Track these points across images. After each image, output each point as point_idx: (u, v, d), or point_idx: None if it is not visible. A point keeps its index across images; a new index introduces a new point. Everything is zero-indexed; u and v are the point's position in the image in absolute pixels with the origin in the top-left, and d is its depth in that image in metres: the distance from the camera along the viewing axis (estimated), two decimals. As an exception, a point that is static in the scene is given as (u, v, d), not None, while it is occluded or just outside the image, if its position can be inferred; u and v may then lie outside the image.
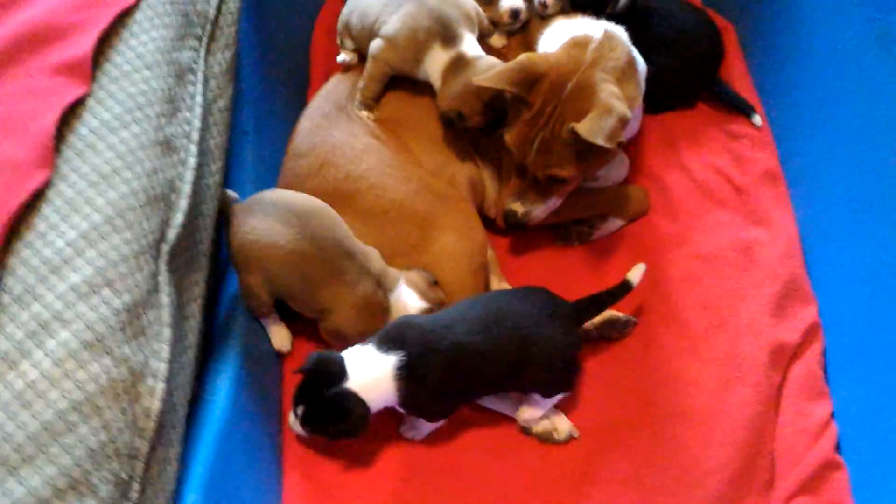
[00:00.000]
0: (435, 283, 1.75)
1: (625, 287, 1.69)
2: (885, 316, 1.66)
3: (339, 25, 2.02)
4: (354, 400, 1.55)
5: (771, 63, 2.08)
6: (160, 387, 1.27)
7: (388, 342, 1.58)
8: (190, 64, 1.56)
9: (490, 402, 1.77)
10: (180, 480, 1.37)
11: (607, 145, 1.59)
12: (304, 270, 1.65)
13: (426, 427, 1.71)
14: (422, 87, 1.90)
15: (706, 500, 1.62)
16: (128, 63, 1.45)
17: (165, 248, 1.38)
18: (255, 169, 1.89)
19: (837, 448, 1.66)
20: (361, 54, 1.97)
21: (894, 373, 1.61)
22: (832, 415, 1.70)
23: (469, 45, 1.83)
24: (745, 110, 2.08)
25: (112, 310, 1.24)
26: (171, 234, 1.40)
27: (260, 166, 1.91)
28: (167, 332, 1.32)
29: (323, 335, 1.75)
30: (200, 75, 1.58)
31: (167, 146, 1.43)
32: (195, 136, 1.50)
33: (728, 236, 1.92)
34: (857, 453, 1.64)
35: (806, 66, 1.96)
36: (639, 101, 1.77)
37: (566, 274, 1.94)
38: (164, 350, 1.30)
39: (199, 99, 1.54)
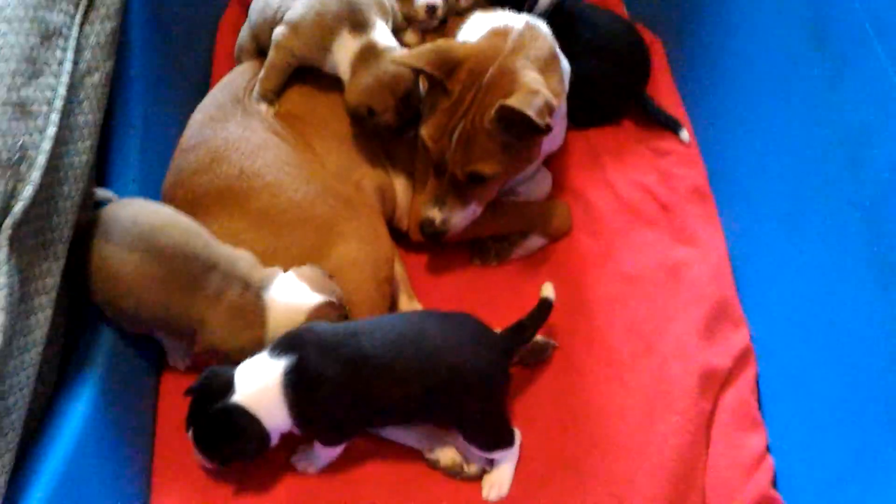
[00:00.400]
0: (330, 278, 1.55)
1: (545, 306, 1.54)
2: (819, 340, 1.52)
3: (237, 46, 1.90)
4: (240, 414, 1.37)
5: (698, 78, 1.99)
6: None
7: (281, 347, 1.41)
8: (60, 27, 1.37)
9: (393, 434, 1.57)
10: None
11: (537, 120, 1.47)
12: (158, 294, 1.46)
13: (321, 457, 1.52)
14: (329, 82, 1.75)
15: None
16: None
17: (8, 221, 1.18)
18: (141, 167, 1.70)
19: (774, 483, 1.51)
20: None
21: (830, 401, 1.46)
22: (767, 447, 1.55)
23: (381, 33, 1.69)
24: (671, 126, 1.97)
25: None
26: (17, 206, 1.20)
27: (146, 164, 1.72)
28: (1, 318, 1.10)
29: (199, 360, 1.56)
30: (72, 42, 1.39)
31: (21, 109, 1.24)
32: (58, 104, 1.31)
33: (654, 256, 1.79)
34: (794, 488, 1.49)
35: (734, 81, 1.87)
36: (562, 99, 1.64)
37: (483, 294, 1.79)
38: None
39: (67, 66, 1.36)
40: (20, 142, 1.22)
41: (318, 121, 1.75)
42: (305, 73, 1.77)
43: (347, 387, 1.39)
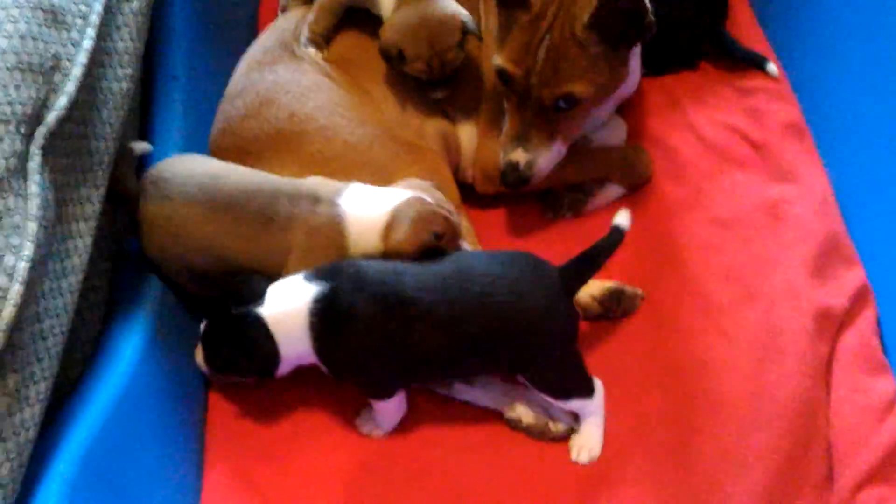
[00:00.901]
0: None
1: (616, 235, 1.34)
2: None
3: None
4: (257, 326, 1.25)
5: (781, 12, 1.82)
6: (15, 289, 0.96)
7: (318, 273, 1.27)
8: (94, -64, 1.26)
9: (465, 393, 1.41)
10: (50, 446, 1.00)
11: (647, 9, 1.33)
12: (232, 242, 1.34)
13: (383, 417, 1.36)
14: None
15: (747, 500, 1.25)
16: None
17: (42, 130, 1.08)
18: (186, 118, 1.59)
19: (911, 426, 1.30)
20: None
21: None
22: (897, 393, 1.35)
23: None
24: (757, 62, 1.80)
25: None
26: (51, 117, 1.10)
27: (191, 115, 1.60)
28: (32, 228, 1.00)
29: None
30: None
31: (53, 16, 1.14)
32: (94, 19, 1.21)
33: (749, 197, 1.61)
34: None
35: (819, 10, 1.70)
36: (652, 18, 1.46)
37: (557, 250, 1.57)
38: (27, 248, 0.98)
39: None
40: (53, 49, 1.10)
41: (375, 66, 1.62)
42: (359, 19, 1.64)
43: (381, 329, 1.25)
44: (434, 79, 1.55)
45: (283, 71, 1.56)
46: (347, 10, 1.63)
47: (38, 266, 1.00)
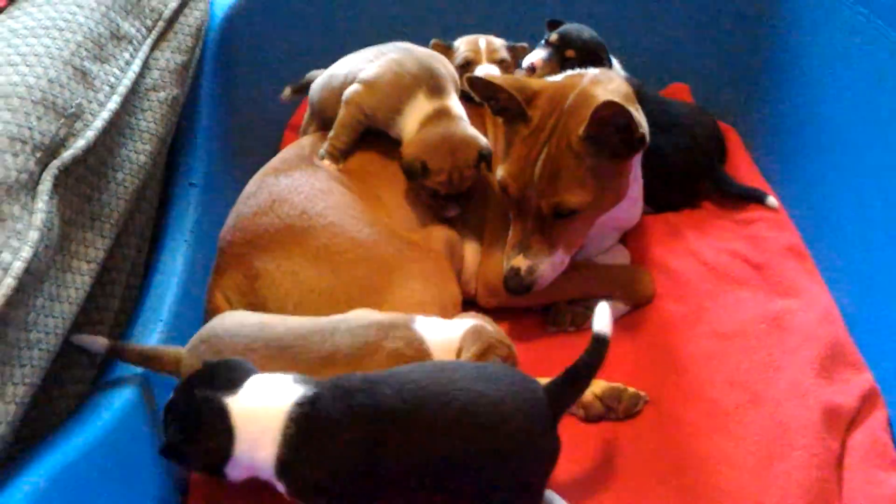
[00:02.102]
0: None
1: (599, 343, 1.22)
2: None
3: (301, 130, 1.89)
4: (217, 415, 1.12)
5: (777, 154, 1.90)
6: (8, 282, 1.00)
7: (303, 379, 1.18)
8: (130, 37, 1.41)
9: None
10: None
11: (637, 125, 1.39)
12: None
13: None
14: (397, 149, 1.69)
15: None
16: (56, -4, 1.27)
17: (56, 163, 1.13)
18: (199, 221, 1.65)
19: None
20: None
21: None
22: (912, 490, 1.28)
23: (454, 102, 1.67)
24: (757, 197, 1.86)
25: (-40, 169, 0.94)
26: (67, 154, 1.16)
27: (204, 220, 1.66)
28: (34, 236, 1.03)
29: None
30: (141, 54, 1.42)
31: (83, 76, 1.24)
32: (121, 90, 1.31)
33: (752, 311, 1.61)
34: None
35: (814, 147, 1.78)
36: (644, 130, 1.52)
37: (558, 364, 1.58)
38: (25, 251, 1.02)
39: (133, 68, 1.38)
40: (78, 101, 1.19)
41: (391, 175, 1.69)
42: (372, 136, 1.74)
43: (353, 442, 1.13)
44: (452, 193, 1.62)
45: (298, 175, 1.63)
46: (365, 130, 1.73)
47: (34, 274, 1.02)
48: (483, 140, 1.64)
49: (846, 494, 1.27)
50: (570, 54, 1.77)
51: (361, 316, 1.36)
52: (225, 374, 1.17)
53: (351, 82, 1.73)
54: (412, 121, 1.65)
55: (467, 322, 1.34)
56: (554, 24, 1.83)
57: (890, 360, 1.47)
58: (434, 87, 1.66)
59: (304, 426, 1.12)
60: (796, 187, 1.85)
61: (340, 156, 1.70)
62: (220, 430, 1.12)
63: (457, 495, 1.19)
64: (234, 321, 1.36)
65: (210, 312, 1.56)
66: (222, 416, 1.12)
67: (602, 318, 1.23)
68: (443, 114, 1.64)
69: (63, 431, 1.13)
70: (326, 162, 1.69)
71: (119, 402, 1.23)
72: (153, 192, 1.57)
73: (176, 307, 1.49)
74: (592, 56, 1.77)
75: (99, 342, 1.27)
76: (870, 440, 1.34)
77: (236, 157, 1.83)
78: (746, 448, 1.38)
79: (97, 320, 1.31)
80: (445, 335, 1.31)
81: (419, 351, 1.30)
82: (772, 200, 1.85)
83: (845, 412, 1.37)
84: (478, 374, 1.19)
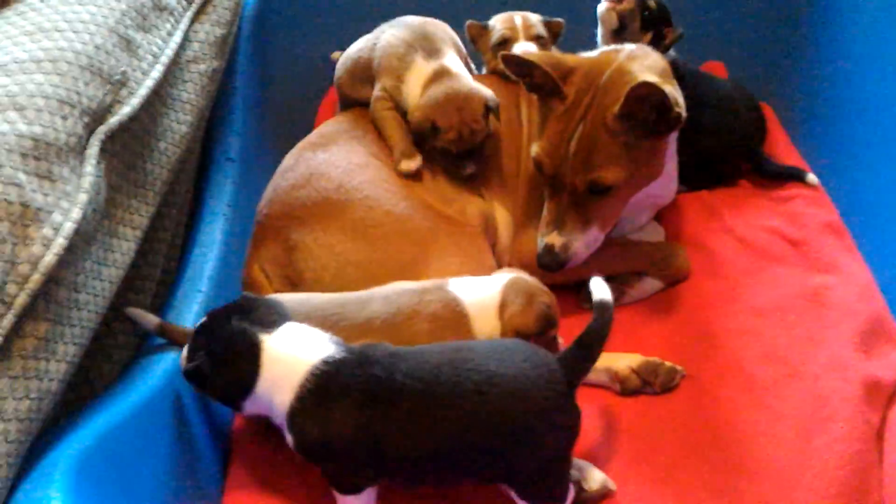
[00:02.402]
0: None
1: (604, 312, 1.21)
2: None
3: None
4: (249, 348, 1.13)
5: (815, 133, 1.89)
6: (60, 242, 0.98)
7: (341, 343, 1.19)
8: (172, 8, 1.41)
9: None
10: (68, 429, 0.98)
11: (672, 103, 1.38)
12: None
13: None
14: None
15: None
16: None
17: (103, 129, 1.15)
18: (237, 196, 1.66)
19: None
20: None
21: None
22: (954, 464, 1.27)
23: (453, 61, 1.66)
24: (796, 175, 1.84)
25: (15, 130, 0.96)
26: (113, 120, 1.18)
27: (242, 194, 1.67)
28: (83, 198, 1.05)
29: None
30: (182, 25, 1.44)
31: (128, 44, 1.25)
32: (164, 59, 1.33)
33: (789, 287, 1.60)
34: None
35: (851, 127, 1.76)
36: (681, 109, 1.51)
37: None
38: (75, 212, 1.03)
39: (175, 39, 1.40)
40: (123, 68, 1.20)
41: (424, 152, 1.69)
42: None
43: (362, 414, 1.12)
44: (464, 149, 1.61)
45: (335, 150, 1.64)
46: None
47: (82, 235, 1.03)
48: (487, 92, 1.63)
49: (887, 467, 1.26)
50: (653, 4, 1.76)
51: (395, 285, 1.37)
52: (264, 311, 1.18)
53: (363, 63, 1.73)
54: (414, 86, 1.65)
55: (504, 276, 1.34)
56: None
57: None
58: (429, 49, 1.66)
59: (321, 384, 1.13)
60: (834, 164, 1.83)
61: (409, 152, 1.65)
62: (248, 364, 1.13)
63: (479, 475, 1.18)
64: (275, 298, 1.35)
65: (247, 285, 1.57)
66: (254, 350, 1.14)
67: (598, 286, 1.23)
68: (442, 73, 1.64)
69: (108, 396, 1.14)
70: (413, 165, 1.64)
71: (161, 369, 1.24)
72: (192, 165, 1.58)
73: (215, 278, 1.50)
74: (663, 16, 1.77)
75: (150, 319, 1.28)
76: (911, 415, 1.33)
77: (273, 132, 1.85)
78: (785, 422, 1.37)
79: (140, 289, 1.32)
80: (483, 293, 1.32)
81: (456, 312, 1.30)
82: (812, 178, 1.83)
83: (885, 386, 1.37)
84: (491, 352, 1.18)
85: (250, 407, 1.17)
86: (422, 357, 1.16)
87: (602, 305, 1.21)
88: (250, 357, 1.13)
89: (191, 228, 1.57)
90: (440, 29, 1.73)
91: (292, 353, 1.15)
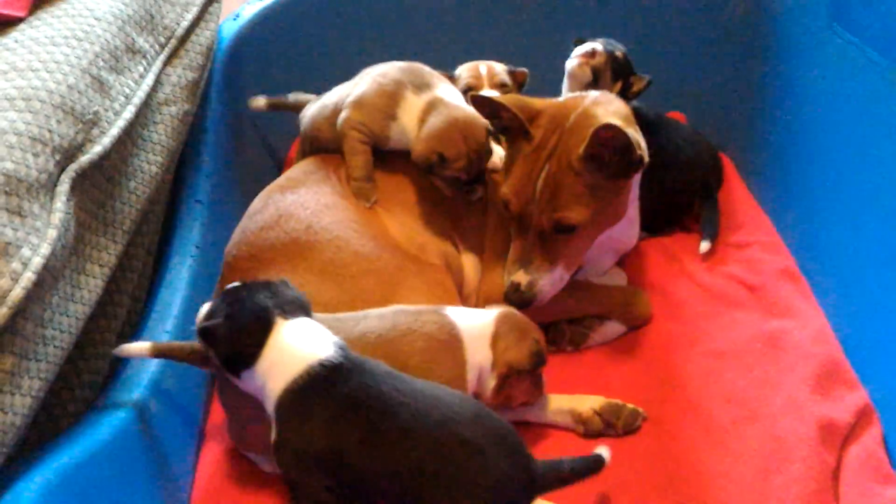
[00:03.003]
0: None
1: (596, 461, 1.24)
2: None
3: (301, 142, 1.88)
4: (264, 322, 1.18)
5: (770, 180, 1.95)
6: (28, 276, 1.00)
7: (341, 344, 1.22)
8: (144, 52, 1.44)
9: None
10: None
11: (635, 145, 1.42)
12: None
13: None
14: (392, 161, 1.72)
15: None
16: (74, 9, 1.31)
17: (74, 167, 1.16)
18: (204, 236, 1.66)
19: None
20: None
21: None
22: (909, 505, 1.30)
23: (445, 91, 1.69)
24: (708, 234, 1.89)
25: (-16, 165, 0.97)
26: (84, 159, 1.19)
27: (209, 234, 1.68)
28: (52, 234, 1.06)
29: None
30: (154, 68, 1.46)
31: (101, 86, 1.27)
32: (136, 101, 1.35)
33: (747, 330, 1.63)
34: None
35: (807, 173, 1.83)
36: (643, 152, 1.55)
37: (556, 382, 1.61)
38: (44, 248, 1.04)
39: (147, 82, 1.42)
40: (96, 108, 1.22)
41: (384, 193, 1.72)
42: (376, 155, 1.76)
43: (330, 417, 1.14)
44: (472, 177, 1.63)
45: (304, 192, 1.66)
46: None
47: (51, 271, 1.04)
48: (482, 118, 1.65)
49: (843, 507, 1.29)
50: (620, 55, 1.81)
51: (391, 307, 1.40)
52: (292, 301, 1.23)
53: (341, 108, 1.75)
54: (409, 120, 1.67)
55: (495, 310, 1.39)
56: (579, 42, 1.86)
57: (883, 378, 1.49)
58: (419, 84, 1.69)
59: (310, 384, 1.15)
60: (790, 212, 1.88)
61: (366, 183, 1.69)
62: (255, 341, 1.17)
63: None
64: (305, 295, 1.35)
65: (214, 326, 1.58)
66: (265, 329, 1.18)
67: (605, 450, 1.26)
68: (437, 104, 1.65)
69: (73, 433, 1.14)
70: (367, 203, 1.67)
71: (125, 410, 1.24)
72: (161, 206, 1.60)
73: (181, 319, 1.50)
74: (626, 67, 1.82)
75: (144, 347, 1.27)
76: (865, 454, 1.36)
77: (241, 176, 1.86)
78: (744, 462, 1.39)
79: (105, 328, 1.32)
80: (477, 321, 1.36)
81: (451, 335, 1.34)
82: (704, 246, 1.87)
83: (841, 427, 1.39)
84: (483, 429, 1.17)
85: (247, 383, 1.20)
86: (418, 389, 1.18)
87: (597, 460, 1.24)
88: (260, 335, 1.17)
89: (158, 269, 1.57)
90: (427, 69, 1.75)
91: (296, 346, 1.18)
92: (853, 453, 1.37)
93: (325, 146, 1.82)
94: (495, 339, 1.36)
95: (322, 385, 1.16)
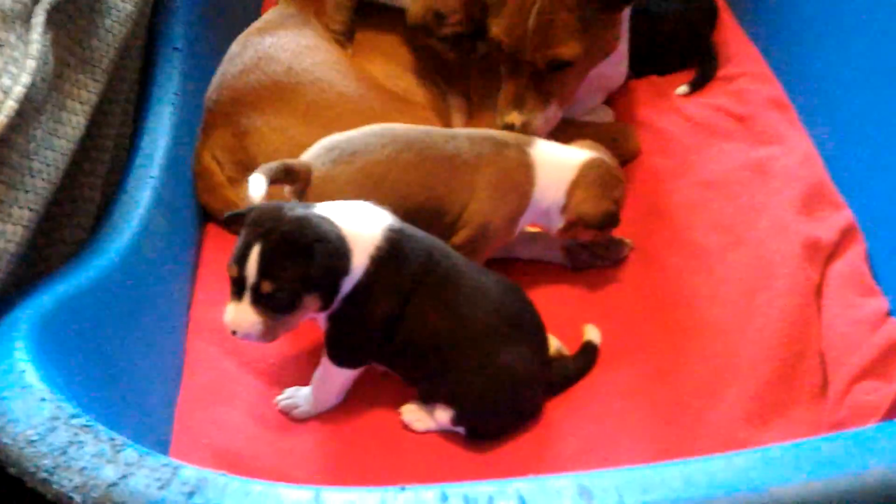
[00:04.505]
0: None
1: (589, 351, 1.34)
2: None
3: None
4: (327, 224, 1.09)
5: (760, 17, 1.92)
6: (10, 104, 1.03)
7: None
8: None
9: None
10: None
11: None
12: (421, 180, 1.31)
13: (332, 392, 1.26)
14: (373, 16, 1.70)
15: (738, 409, 1.22)
16: None
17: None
18: (183, 83, 1.63)
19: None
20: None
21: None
22: (889, 313, 1.33)
23: None
24: (706, 73, 1.87)
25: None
26: None
27: (189, 81, 1.65)
28: (31, 64, 1.04)
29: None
30: None
31: None
32: None
33: (735, 160, 1.64)
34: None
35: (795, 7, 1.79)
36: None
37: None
38: (24, 78, 1.04)
39: None
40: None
41: (368, 44, 1.70)
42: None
43: (414, 287, 1.17)
44: (471, 32, 1.59)
45: (283, 34, 1.63)
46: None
47: (32, 103, 1.03)
48: None
49: (826, 319, 1.32)
50: None
51: (479, 130, 1.43)
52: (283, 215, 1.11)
53: None
54: None
55: (585, 153, 1.39)
56: None
57: (868, 198, 1.50)
58: None
59: (391, 252, 1.15)
60: (779, 41, 1.86)
61: (346, 39, 1.68)
62: (340, 241, 1.11)
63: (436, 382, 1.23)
64: (355, 131, 1.35)
65: (199, 174, 1.58)
66: (332, 225, 1.11)
67: (592, 330, 1.35)
68: None
69: (65, 269, 1.15)
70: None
71: (116, 247, 1.25)
72: (137, 53, 1.56)
73: (165, 164, 1.49)
74: None
75: (262, 183, 1.21)
76: (849, 269, 1.39)
77: (218, 21, 1.82)
78: (730, 283, 1.42)
79: (90, 171, 1.31)
80: (560, 163, 1.38)
81: (527, 176, 1.36)
82: (681, 89, 1.86)
83: (825, 245, 1.42)
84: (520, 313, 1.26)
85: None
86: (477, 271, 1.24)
87: (590, 348, 1.33)
88: (337, 236, 1.11)
89: (139, 118, 1.55)
90: None
91: (363, 230, 1.15)
92: (837, 269, 1.40)
93: None
94: (574, 186, 1.37)
95: (398, 246, 1.16)
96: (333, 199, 1.19)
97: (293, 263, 1.06)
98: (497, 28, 1.52)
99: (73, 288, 1.08)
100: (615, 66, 1.72)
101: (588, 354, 1.33)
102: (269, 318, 1.08)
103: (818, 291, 1.37)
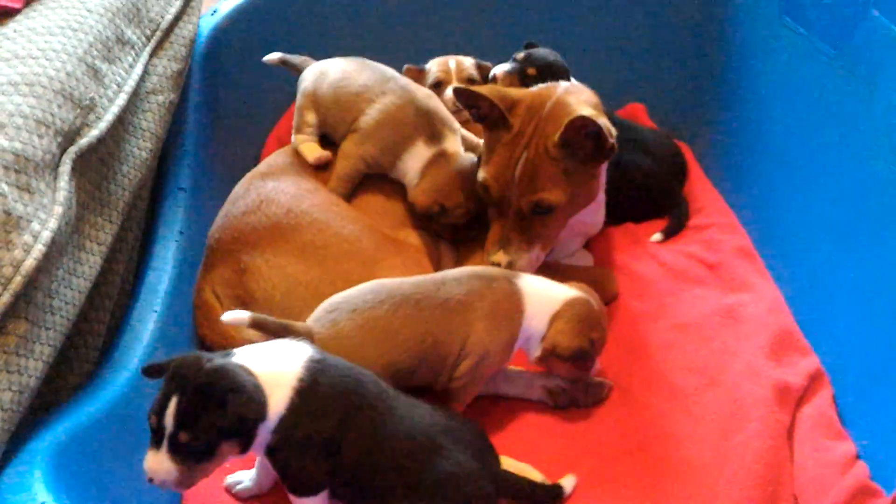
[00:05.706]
0: None
1: (556, 491, 1.38)
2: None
3: (301, 100, 1.85)
4: (241, 372, 1.13)
5: (727, 166, 2.06)
6: (39, 248, 1.06)
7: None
8: (133, 43, 1.50)
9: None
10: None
11: (606, 134, 1.50)
12: (419, 328, 1.40)
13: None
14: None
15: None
16: (67, 1, 1.38)
17: (73, 149, 1.23)
18: (187, 222, 1.72)
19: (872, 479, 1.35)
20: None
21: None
22: (857, 456, 1.41)
23: (451, 143, 1.75)
24: (668, 229, 2.00)
25: (-4, 145, 1.03)
26: (83, 142, 1.26)
27: (193, 220, 1.74)
28: (58, 210, 1.12)
29: (456, 390, 1.45)
30: (142, 59, 1.53)
31: (95, 74, 1.34)
32: (128, 88, 1.42)
33: (708, 305, 1.74)
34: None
35: (762, 159, 1.95)
36: (613, 140, 1.64)
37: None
38: (52, 223, 1.11)
39: (136, 71, 1.48)
40: (92, 94, 1.28)
41: (364, 198, 1.80)
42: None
43: (345, 415, 1.21)
44: (472, 219, 1.72)
45: (284, 178, 1.73)
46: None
47: (57, 245, 1.10)
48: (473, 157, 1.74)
49: (797, 460, 1.39)
50: (532, 72, 1.90)
51: (464, 269, 1.53)
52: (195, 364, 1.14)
53: (362, 99, 1.77)
54: (413, 166, 1.73)
55: (573, 291, 1.48)
56: (530, 46, 1.96)
57: (832, 345, 1.60)
58: (432, 133, 1.74)
59: (312, 385, 1.19)
60: (745, 195, 1.99)
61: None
62: (255, 388, 1.15)
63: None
64: (352, 291, 1.44)
65: (199, 307, 1.64)
66: (244, 370, 1.15)
67: (570, 480, 1.39)
68: (442, 157, 1.73)
69: (76, 400, 1.20)
70: None
71: (125, 378, 1.30)
72: (147, 193, 1.66)
73: (168, 300, 1.56)
74: (554, 76, 1.89)
75: (244, 314, 1.31)
76: (817, 413, 1.47)
77: (222, 163, 1.92)
78: (706, 424, 1.49)
79: (99, 305, 1.38)
80: (547, 295, 1.47)
81: (516, 303, 1.45)
82: (656, 236, 1.98)
83: (794, 390, 1.50)
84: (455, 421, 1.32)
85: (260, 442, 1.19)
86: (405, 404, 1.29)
87: (558, 490, 1.37)
88: (252, 381, 1.15)
89: (145, 253, 1.63)
90: (443, 112, 1.79)
91: (280, 368, 1.20)
92: (806, 413, 1.47)
93: (333, 120, 1.82)
94: (555, 318, 1.46)
95: (321, 378, 1.21)
96: (339, 357, 1.27)
97: (208, 414, 1.09)
98: (486, 174, 1.64)
99: (84, 419, 1.12)
100: (594, 213, 1.83)
101: (553, 492, 1.36)
102: (185, 466, 1.11)
103: (790, 434, 1.44)
